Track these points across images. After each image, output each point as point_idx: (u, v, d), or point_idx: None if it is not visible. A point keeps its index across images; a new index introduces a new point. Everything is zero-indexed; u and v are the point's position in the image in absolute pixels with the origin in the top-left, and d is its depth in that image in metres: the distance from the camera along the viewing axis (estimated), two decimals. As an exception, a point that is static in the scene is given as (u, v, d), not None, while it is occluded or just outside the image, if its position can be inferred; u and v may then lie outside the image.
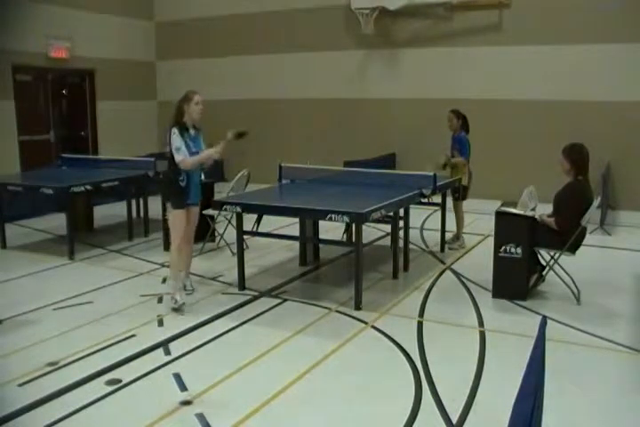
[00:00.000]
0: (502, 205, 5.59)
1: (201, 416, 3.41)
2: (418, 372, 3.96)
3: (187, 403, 3.57)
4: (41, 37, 10.77)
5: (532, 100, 9.95)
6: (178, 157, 5.06)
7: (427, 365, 4.07)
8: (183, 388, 3.75)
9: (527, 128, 10.06)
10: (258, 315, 5.02)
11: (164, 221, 7.08)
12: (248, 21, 12.35)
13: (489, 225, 5.86)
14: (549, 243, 5.33)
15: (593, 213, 5.20)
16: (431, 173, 6.18)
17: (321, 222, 6.17)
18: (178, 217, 5.22)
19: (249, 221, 5.79)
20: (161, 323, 4.89)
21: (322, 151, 10.97)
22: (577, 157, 5.26)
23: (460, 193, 7.11)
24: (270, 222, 6.28)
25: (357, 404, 3.60)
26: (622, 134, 9.38)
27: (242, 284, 5.69)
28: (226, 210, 5.52)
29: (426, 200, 6.36)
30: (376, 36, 10.98)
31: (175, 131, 5.07)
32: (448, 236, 7.21)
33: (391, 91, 11.09)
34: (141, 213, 8.29)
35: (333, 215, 4.97)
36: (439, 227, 7.09)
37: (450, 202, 7.13)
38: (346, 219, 5.03)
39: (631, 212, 9.22)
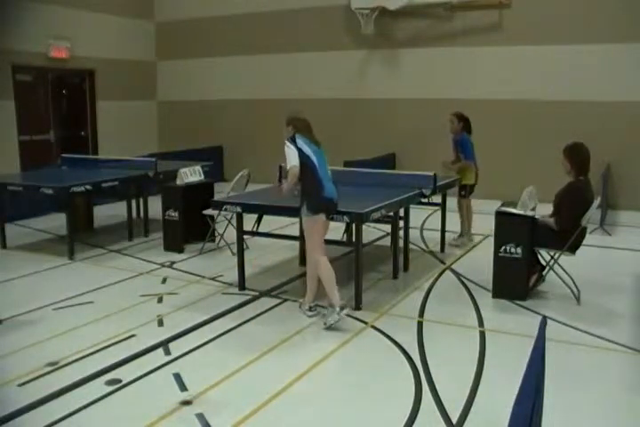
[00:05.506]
0: (502, 205, 5.58)
1: (201, 416, 3.41)
2: (418, 372, 3.96)
3: (187, 403, 3.56)
4: (41, 37, 10.78)
5: (532, 100, 9.95)
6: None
7: (427, 365, 4.07)
8: (183, 388, 3.75)
9: (527, 128, 10.06)
10: (258, 315, 5.02)
11: (164, 220, 7.11)
12: (248, 21, 12.35)
13: (489, 225, 5.85)
14: (549, 243, 5.33)
15: (593, 213, 5.19)
16: (431, 173, 6.19)
17: (321, 222, 6.15)
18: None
19: (249, 221, 5.78)
20: (161, 323, 4.89)
21: (322, 151, 10.96)
22: (578, 156, 5.25)
23: (467, 191, 7.26)
24: (270, 222, 6.27)
25: (357, 404, 3.60)
26: (622, 134, 9.39)
27: (242, 284, 5.69)
28: (226, 210, 5.53)
29: (426, 200, 6.36)
30: (376, 36, 10.99)
31: None
32: (448, 235, 7.21)
33: (391, 91, 11.09)
34: (141, 213, 8.30)
35: (333, 215, 4.97)
36: (439, 227, 7.09)
37: (449, 201, 7.12)
38: (346, 219, 5.03)
39: (631, 212, 9.22)
